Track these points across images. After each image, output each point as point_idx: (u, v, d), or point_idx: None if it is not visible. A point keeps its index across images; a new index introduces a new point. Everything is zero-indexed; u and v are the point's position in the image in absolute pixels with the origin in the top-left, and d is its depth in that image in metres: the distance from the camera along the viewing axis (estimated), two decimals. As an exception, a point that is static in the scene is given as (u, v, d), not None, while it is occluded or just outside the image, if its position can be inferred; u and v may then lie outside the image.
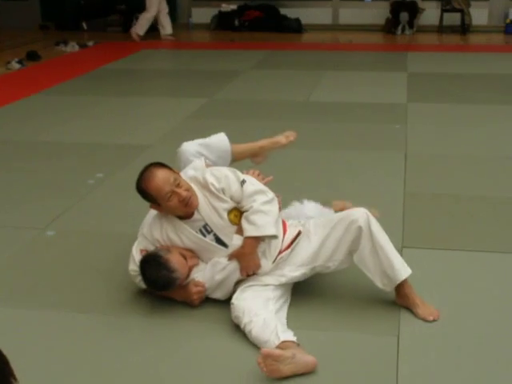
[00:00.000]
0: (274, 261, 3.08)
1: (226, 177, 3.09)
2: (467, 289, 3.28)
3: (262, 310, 2.86)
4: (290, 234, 3.14)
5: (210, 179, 3.08)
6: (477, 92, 7.50)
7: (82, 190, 4.62)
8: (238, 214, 3.07)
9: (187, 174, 3.26)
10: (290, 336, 2.74)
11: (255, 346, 2.77)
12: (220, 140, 3.62)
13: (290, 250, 3.10)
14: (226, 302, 3.03)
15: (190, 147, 3.50)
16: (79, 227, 4.02)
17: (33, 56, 9.85)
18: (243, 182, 3.08)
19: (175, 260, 3.00)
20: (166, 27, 12.01)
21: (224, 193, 3.05)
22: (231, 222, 3.06)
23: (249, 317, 2.83)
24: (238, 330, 2.88)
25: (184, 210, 3.03)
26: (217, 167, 3.26)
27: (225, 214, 3.06)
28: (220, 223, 3.06)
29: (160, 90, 7.85)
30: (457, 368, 2.68)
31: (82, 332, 2.96)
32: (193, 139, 3.64)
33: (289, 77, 8.46)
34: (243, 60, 9.72)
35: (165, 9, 11.93)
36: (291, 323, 2.95)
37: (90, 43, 11.37)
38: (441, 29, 12.38)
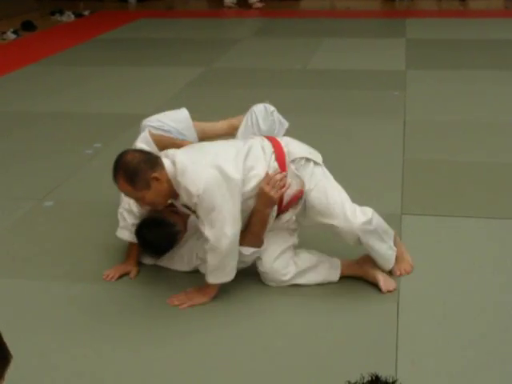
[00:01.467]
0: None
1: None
2: (467, 255, 3.28)
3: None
4: (291, 190, 2.95)
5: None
6: (476, 58, 7.44)
7: (80, 159, 4.60)
8: None
9: (137, 147, 3.20)
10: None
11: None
12: (178, 111, 3.59)
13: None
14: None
15: (150, 118, 3.51)
16: (77, 197, 4.01)
17: (28, 26, 9.77)
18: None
19: (169, 216, 3.05)
20: None
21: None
22: None
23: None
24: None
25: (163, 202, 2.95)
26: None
27: None
28: None
29: (157, 59, 7.79)
30: (456, 332, 2.69)
31: (80, 301, 2.97)
32: (191, 107, 3.62)
33: (287, 44, 8.39)
34: (240, 28, 9.65)
35: None
36: (292, 291, 2.96)
37: (86, 13, 11.26)
38: (440, -5, 12.25)
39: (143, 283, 3.09)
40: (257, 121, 3.54)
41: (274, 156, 2.92)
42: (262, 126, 3.57)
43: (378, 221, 3.00)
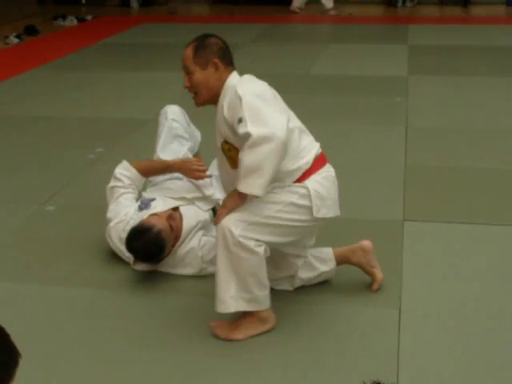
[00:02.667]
0: None
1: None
2: (469, 261, 3.28)
3: None
4: None
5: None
6: (478, 64, 7.45)
7: (82, 164, 4.60)
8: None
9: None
10: None
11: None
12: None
13: None
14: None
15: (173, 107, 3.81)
16: (79, 202, 4.01)
17: (31, 30, 9.78)
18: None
19: (156, 221, 3.08)
20: (325, 3, 11.30)
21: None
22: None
23: None
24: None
25: None
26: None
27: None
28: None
29: (160, 64, 7.79)
30: (458, 339, 2.68)
31: (81, 306, 2.96)
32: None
33: (289, 50, 8.40)
34: (243, 33, 9.65)
35: None
36: (292, 297, 2.96)
37: (89, 17, 11.28)
38: (442, 1, 12.26)
39: (144, 288, 3.09)
40: (186, 119, 3.83)
41: None
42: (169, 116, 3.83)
43: None
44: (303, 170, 2.70)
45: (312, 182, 2.69)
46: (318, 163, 2.75)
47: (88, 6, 12.89)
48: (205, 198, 3.38)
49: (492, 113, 5.61)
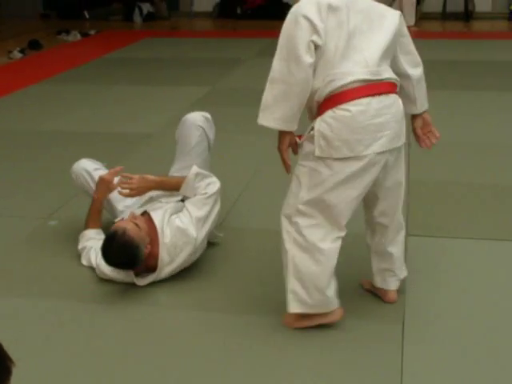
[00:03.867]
0: None
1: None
2: (473, 277, 3.27)
3: None
4: None
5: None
6: (481, 79, 7.46)
7: (85, 179, 4.60)
8: None
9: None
10: None
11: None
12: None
13: None
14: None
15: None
16: (82, 217, 3.98)
17: (35, 45, 9.82)
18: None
19: (118, 225, 3.15)
20: (408, 19, 11.05)
21: None
22: None
23: None
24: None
25: None
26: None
27: None
28: None
29: (162, 79, 7.82)
30: (462, 355, 2.67)
31: (83, 321, 2.96)
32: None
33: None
34: (246, 48, 9.68)
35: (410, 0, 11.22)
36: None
37: (92, 32, 11.33)
38: (444, 16, 12.31)
39: (147, 303, 3.08)
40: (205, 132, 3.71)
41: None
42: (210, 136, 3.77)
43: None
44: (319, 104, 2.65)
45: (320, 122, 2.63)
46: (338, 97, 2.60)
47: (91, 20, 12.96)
48: (169, 194, 3.44)
49: (495, 127, 5.61)
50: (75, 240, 3.70)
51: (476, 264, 3.40)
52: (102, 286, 3.22)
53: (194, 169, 3.30)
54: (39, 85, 7.55)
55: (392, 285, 3.01)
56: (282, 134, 2.69)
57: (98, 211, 3.54)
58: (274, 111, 2.64)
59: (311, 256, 2.68)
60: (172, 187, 3.37)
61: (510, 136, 5.40)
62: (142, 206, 3.43)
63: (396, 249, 2.97)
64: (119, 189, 3.38)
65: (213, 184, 3.28)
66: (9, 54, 9.23)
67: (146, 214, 3.30)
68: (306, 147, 2.68)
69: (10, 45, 9.84)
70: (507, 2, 12.46)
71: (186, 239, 3.17)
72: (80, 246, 3.48)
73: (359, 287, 3.15)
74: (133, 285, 3.18)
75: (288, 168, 2.72)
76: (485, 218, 3.91)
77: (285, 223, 2.73)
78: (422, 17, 12.33)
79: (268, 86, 2.66)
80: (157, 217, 3.22)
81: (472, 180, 4.48)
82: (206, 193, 3.25)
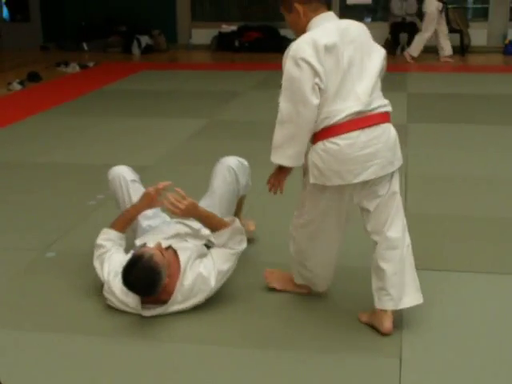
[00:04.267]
0: None
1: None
2: (471, 311, 3.26)
3: None
4: None
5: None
6: (476, 112, 7.52)
7: (83, 211, 4.61)
8: None
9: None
10: None
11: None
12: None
13: None
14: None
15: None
16: (80, 249, 4.00)
17: (34, 77, 9.89)
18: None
19: (145, 250, 3.14)
20: (446, 48, 11.61)
21: None
22: None
23: None
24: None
25: None
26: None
27: None
28: None
29: (160, 111, 7.87)
30: (460, 391, 2.66)
31: (82, 354, 2.94)
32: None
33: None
34: (243, 81, 9.76)
35: (445, 31, 11.55)
36: (291, 343, 2.94)
37: (91, 64, 11.42)
38: (440, 49, 12.43)
39: (144, 336, 3.07)
40: (236, 177, 3.64)
41: None
42: (242, 181, 3.72)
43: None
44: (313, 134, 2.87)
45: (312, 152, 2.88)
46: (330, 130, 2.81)
47: (90, 52, 13.08)
48: (196, 235, 3.43)
49: (491, 161, 5.65)
50: (73, 272, 3.70)
51: (474, 298, 3.40)
52: (102, 319, 3.21)
53: (237, 222, 3.31)
54: (38, 116, 7.59)
55: (386, 304, 3.00)
56: (285, 168, 3.00)
57: (129, 219, 3.50)
58: (286, 150, 2.87)
59: None
60: (211, 226, 3.32)
61: (505, 170, 5.43)
62: (167, 239, 3.40)
63: (388, 266, 2.98)
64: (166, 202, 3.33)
65: (243, 243, 3.31)
66: (8, 86, 9.29)
67: (170, 248, 3.29)
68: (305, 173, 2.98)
69: (9, 76, 9.91)
70: (502, 37, 12.61)
71: (203, 287, 3.19)
72: (98, 242, 3.41)
73: (352, 322, 3.14)
74: (133, 318, 3.17)
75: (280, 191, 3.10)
76: (482, 251, 3.91)
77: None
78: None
79: (278, 127, 2.88)
80: (183, 256, 3.22)
81: (469, 213, 4.50)
82: (234, 249, 3.27)
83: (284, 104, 2.82)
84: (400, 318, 3.13)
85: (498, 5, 12.69)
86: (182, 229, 3.48)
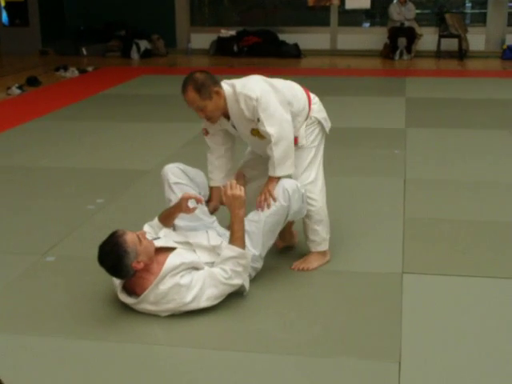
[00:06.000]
0: None
1: None
2: (469, 315, 3.27)
3: None
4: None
5: None
6: (474, 117, 7.54)
7: (83, 215, 4.62)
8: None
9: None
10: None
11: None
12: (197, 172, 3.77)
13: None
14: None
15: (171, 167, 3.69)
16: (79, 253, 4.01)
17: (33, 81, 9.91)
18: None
19: (122, 230, 3.19)
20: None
21: None
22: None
23: None
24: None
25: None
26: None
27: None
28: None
29: (159, 116, 7.88)
30: (458, 394, 2.67)
31: (81, 359, 2.95)
32: (194, 165, 3.68)
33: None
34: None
35: None
36: (289, 348, 2.95)
37: (90, 68, 11.44)
38: (438, 54, 12.48)
39: (144, 340, 3.08)
40: (289, 199, 3.45)
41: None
42: (294, 207, 3.50)
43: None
44: (307, 108, 3.63)
45: (315, 112, 3.68)
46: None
47: (89, 57, 13.10)
48: (209, 250, 3.38)
49: (489, 165, 5.66)
50: (72, 276, 3.71)
51: (474, 302, 3.40)
52: (102, 323, 3.21)
53: (249, 254, 3.32)
54: (37, 121, 7.60)
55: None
56: (276, 179, 3.47)
57: (171, 216, 3.51)
58: (286, 161, 3.44)
59: None
60: (235, 233, 3.29)
61: (503, 174, 5.44)
62: (176, 242, 3.39)
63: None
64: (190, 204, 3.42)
65: (239, 276, 3.27)
66: (7, 91, 9.30)
67: (166, 249, 3.29)
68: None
69: (8, 81, 9.93)
70: (500, 42, 12.65)
71: (177, 297, 3.16)
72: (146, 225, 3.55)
73: (355, 325, 3.15)
74: (133, 322, 3.18)
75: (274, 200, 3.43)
76: (481, 255, 3.92)
77: None
78: (416, 55, 12.51)
79: (274, 148, 3.40)
80: (171, 261, 3.20)
81: (467, 217, 4.51)
82: (230, 277, 3.23)
83: (271, 128, 3.40)
84: (399, 322, 3.14)
85: (496, 10, 12.74)
86: (195, 238, 3.43)
